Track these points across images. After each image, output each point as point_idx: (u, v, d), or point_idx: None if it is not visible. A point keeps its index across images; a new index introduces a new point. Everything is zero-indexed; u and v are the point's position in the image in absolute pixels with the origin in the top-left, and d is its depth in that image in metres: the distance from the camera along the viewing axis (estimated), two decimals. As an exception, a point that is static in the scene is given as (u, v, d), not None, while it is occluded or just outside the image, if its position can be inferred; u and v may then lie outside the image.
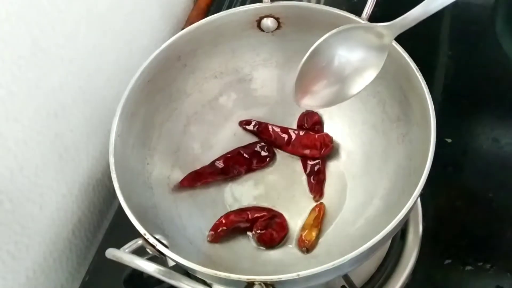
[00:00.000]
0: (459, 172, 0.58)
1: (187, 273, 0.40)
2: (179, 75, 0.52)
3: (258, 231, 0.49)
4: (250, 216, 0.50)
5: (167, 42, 0.49)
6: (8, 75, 0.44)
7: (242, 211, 0.51)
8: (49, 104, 0.49)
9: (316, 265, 0.36)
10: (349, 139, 0.54)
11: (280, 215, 0.51)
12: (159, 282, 0.38)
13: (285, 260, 0.49)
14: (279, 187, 0.54)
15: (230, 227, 0.49)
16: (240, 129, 0.57)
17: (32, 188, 0.49)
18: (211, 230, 0.49)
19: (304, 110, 0.56)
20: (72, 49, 0.52)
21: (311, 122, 0.56)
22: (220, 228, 0.49)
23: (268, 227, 0.49)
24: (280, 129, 0.55)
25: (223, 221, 0.49)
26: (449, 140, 0.59)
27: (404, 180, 0.46)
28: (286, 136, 0.55)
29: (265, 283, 0.36)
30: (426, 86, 0.43)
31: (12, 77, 0.44)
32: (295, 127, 0.56)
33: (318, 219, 0.50)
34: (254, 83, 0.56)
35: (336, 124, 0.55)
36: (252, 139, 0.56)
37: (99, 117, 0.57)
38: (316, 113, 0.56)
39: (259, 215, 0.50)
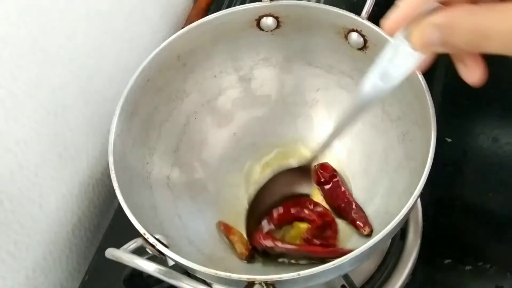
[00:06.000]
0: (459, 172, 0.58)
1: (187, 273, 0.40)
2: (179, 74, 0.52)
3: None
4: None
5: (166, 41, 0.49)
6: (8, 75, 0.44)
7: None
8: (49, 104, 0.49)
9: (316, 265, 0.36)
10: (348, 138, 0.54)
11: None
12: (159, 281, 0.38)
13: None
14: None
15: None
16: (240, 129, 0.57)
17: (31, 188, 0.49)
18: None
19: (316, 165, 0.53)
20: (72, 49, 0.52)
21: (328, 176, 0.52)
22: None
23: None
24: None
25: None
26: (449, 140, 0.59)
27: (404, 179, 0.46)
28: None
29: (266, 283, 0.36)
30: (426, 86, 0.43)
31: (12, 77, 0.44)
32: (294, 127, 0.56)
33: None
34: (254, 82, 0.56)
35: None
36: (252, 139, 0.56)
37: (99, 117, 0.57)
38: (328, 165, 0.53)
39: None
